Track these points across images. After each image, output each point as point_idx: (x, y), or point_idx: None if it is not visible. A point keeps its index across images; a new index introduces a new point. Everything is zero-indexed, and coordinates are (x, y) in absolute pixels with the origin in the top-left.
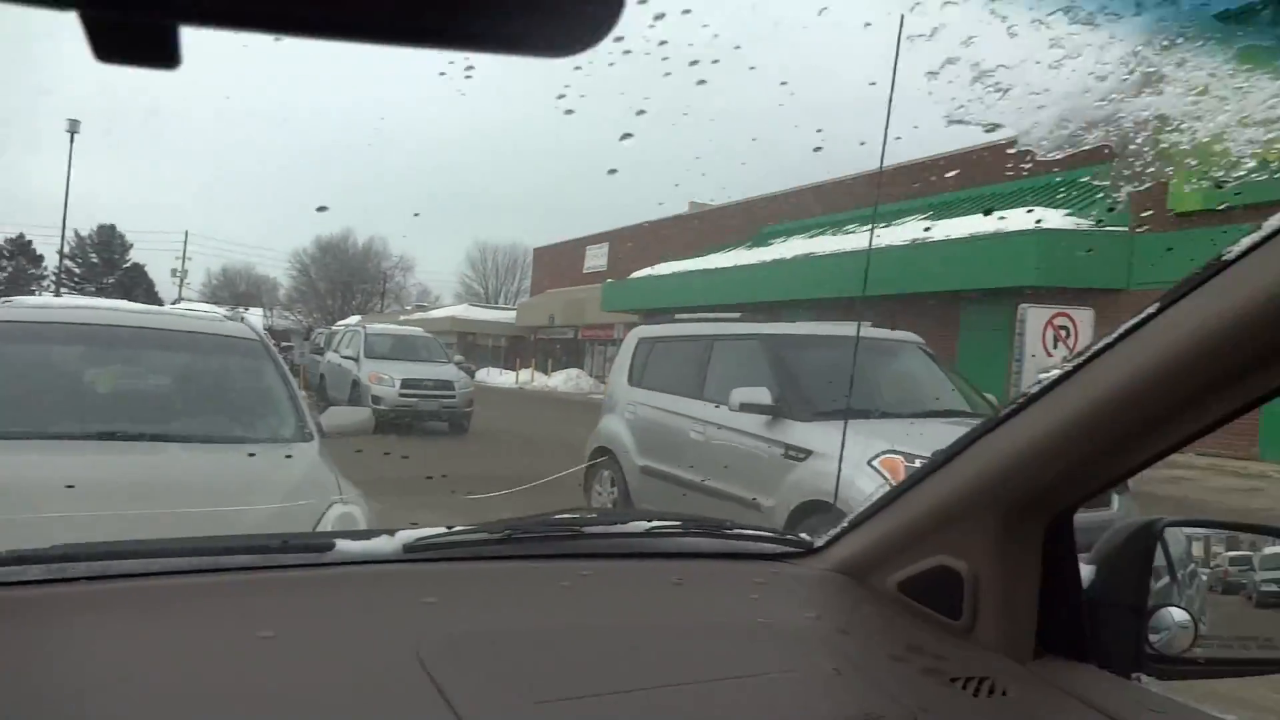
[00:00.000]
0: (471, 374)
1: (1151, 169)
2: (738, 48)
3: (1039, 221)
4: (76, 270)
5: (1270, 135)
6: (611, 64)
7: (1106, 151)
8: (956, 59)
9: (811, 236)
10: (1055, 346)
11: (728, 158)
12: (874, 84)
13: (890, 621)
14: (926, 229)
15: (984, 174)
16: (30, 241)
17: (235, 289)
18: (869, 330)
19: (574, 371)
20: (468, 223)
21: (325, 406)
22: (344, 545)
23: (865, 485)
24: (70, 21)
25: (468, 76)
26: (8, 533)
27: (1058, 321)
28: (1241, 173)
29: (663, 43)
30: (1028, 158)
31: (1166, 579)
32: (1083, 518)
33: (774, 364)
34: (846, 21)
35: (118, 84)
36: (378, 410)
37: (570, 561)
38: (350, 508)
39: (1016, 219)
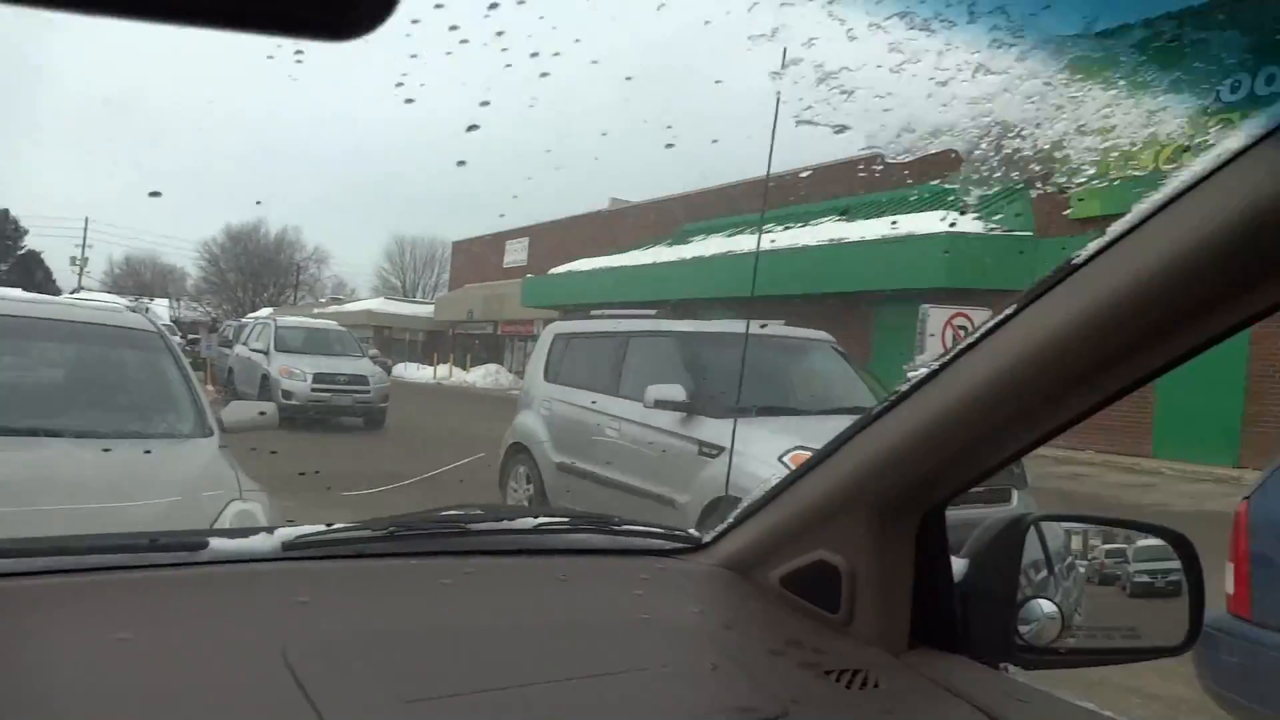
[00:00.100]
0: (388, 369)
1: (998, 174)
2: (578, 41)
3: (951, 225)
4: None
5: (1106, 144)
6: (449, 53)
7: (953, 156)
8: (799, 60)
9: (730, 235)
10: (954, 345)
11: (574, 155)
12: (720, 82)
13: (771, 616)
14: (845, 217)
15: (900, 177)
16: None
17: (140, 278)
18: (781, 329)
19: (493, 367)
20: (385, 215)
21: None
22: (218, 544)
23: (774, 481)
24: None
25: (298, 61)
26: None
27: (956, 321)
28: (1082, 179)
29: (500, 33)
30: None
31: (1045, 572)
32: (984, 513)
33: (688, 361)
34: (686, 18)
35: None
36: (289, 406)
37: (455, 559)
38: (250, 505)
39: (928, 222)
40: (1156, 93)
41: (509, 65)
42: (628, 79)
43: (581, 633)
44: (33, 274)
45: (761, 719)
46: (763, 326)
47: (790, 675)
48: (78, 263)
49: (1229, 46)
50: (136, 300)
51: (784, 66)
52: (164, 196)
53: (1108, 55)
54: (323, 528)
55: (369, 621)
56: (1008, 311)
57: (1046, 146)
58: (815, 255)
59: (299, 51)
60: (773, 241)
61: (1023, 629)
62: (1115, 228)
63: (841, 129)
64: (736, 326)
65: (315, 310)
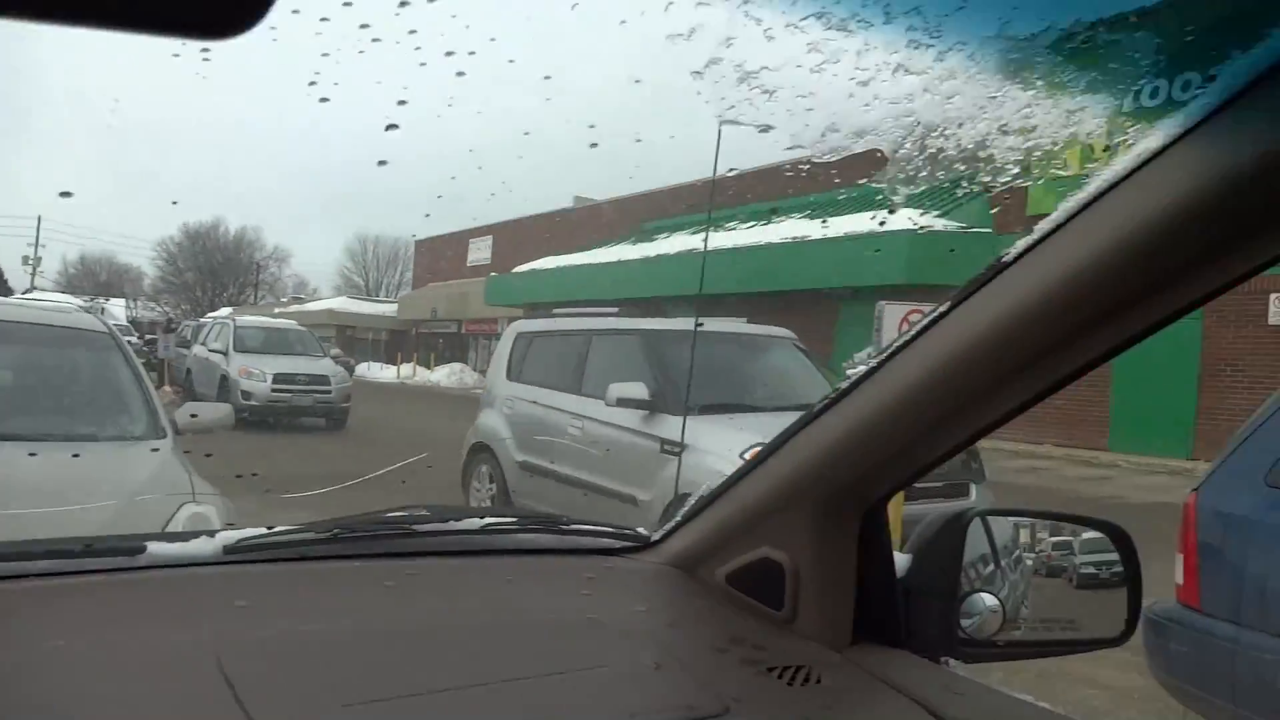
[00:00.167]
0: (350, 368)
1: (924, 173)
2: (493, 40)
3: (881, 224)
4: None
5: (1029, 143)
6: (361, 51)
7: (879, 155)
8: (720, 59)
9: (694, 233)
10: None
11: (500, 155)
12: (639, 81)
13: (717, 613)
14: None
15: (861, 173)
16: None
17: (96, 278)
18: (743, 326)
19: (457, 366)
20: (347, 214)
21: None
22: (157, 548)
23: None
24: None
25: (205, 60)
26: None
27: (913, 317)
28: (1007, 178)
29: (412, 31)
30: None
31: (992, 565)
32: (945, 507)
33: (651, 359)
34: (602, 18)
35: None
36: (249, 406)
37: (400, 560)
38: (204, 508)
39: (891, 219)
40: (1074, 93)
41: (424, 64)
42: (546, 78)
43: (524, 633)
44: None
45: (702, 717)
46: (700, 325)
47: (733, 673)
48: (30, 262)
49: (1142, 49)
50: (92, 300)
51: (705, 66)
52: (121, 196)
53: (1024, 57)
54: (264, 530)
55: (309, 625)
56: (941, 310)
57: (970, 146)
58: (779, 252)
59: (205, 49)
60: (735, 239)
61: (965, 623)
62: (1042, 226)
63: (766, 129)
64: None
65: (276, 310)
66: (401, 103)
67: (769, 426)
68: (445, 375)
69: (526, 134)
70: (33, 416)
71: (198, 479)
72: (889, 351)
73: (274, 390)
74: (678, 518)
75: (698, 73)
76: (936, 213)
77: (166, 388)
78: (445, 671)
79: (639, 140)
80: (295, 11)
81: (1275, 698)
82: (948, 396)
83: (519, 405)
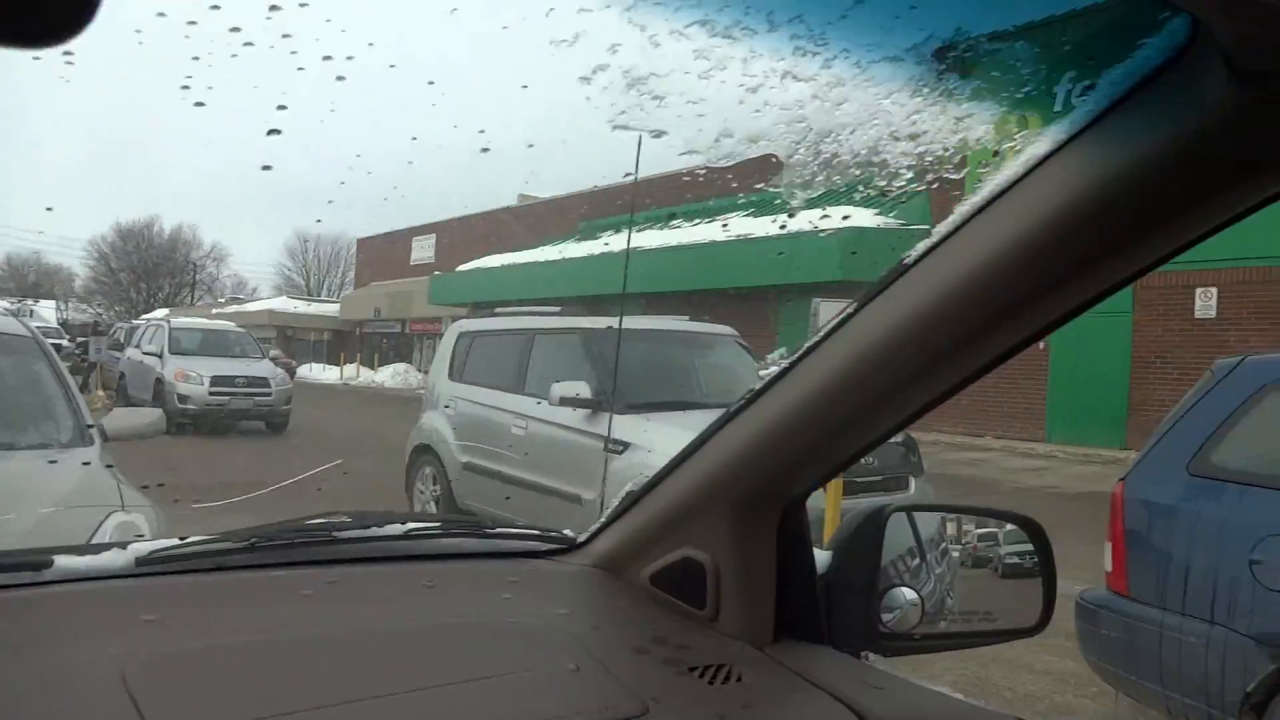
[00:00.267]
0: (291, 370)
1: (820, 177)
2: (371, 45)
3: (782, 228)
4: None
5: (920, 148)
6: (234, 55)
7: (774, 160)
8: (606, 65)
9: (638, 230)
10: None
11: (388, 158)
12: (525, 87)
13: (640, 614)
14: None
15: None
16: None
17: (22, 279)
18: (685, 323)
19: (402, 366)
20: (286, 211)
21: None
22: (65, 561)
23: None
24: None
25: (68, 63)
26: None
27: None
28: (901, 182)
29: (286, 35)
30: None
31: (918, 559)
32: (885, 501)
33: (593, 358)
34: (483, 24)
35: None
36: (185, 410)
37: (319, 568)
38: (133, 517)
39: (831, 218)
40: (960, 101)
41: (302, 69)
42: (430, 83)
43: (443, 639)
44: None
45: (621, 718)
46: (613, 327)
47: (654, 673)
48: None
49: (1023, 59)
50: (20, 302)
51: (593, 72)
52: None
53: (909, 65)
54: (177, 541)
55: (220, 637)
56: (848, 310)
57: (863, 151)
58: (722, 250)
59: (67, 53)
60: (679, 237)
61: (886, 617)
62: (940, 229)
63: (659, 134)
64: (642, 323)
65: (214, 310)
66: (281, 107)
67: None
68: (390, 376)
69: (414, 139)
70: None
71: (128, 488)
72: (800, 352)
73: (211, 393)
74: (603, 519)
75: (585, 78)
76: (874, 211)
77: (99, 392)
78: (360, 681)
79: (531, 146)
80: (161, 14)
81: (1198, 678)
82: (857, 395)
83: (462, 406)
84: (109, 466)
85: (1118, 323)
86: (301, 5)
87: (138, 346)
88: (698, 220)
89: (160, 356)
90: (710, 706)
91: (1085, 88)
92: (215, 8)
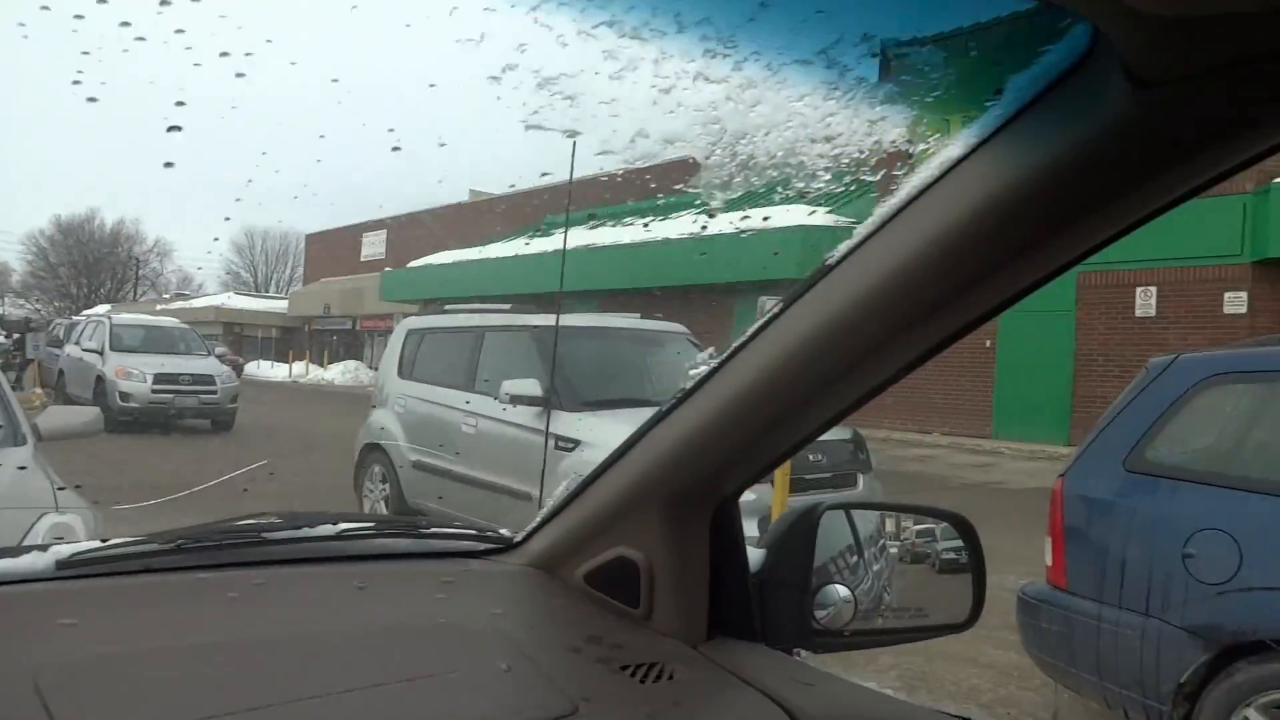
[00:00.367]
0: (238, 368)
1: (738, 179)
2: (269, 41)
3: (703, 228)
4: None
5: (836, 150)
6: (125, 50)
7: (691, 162)
8: (515, 65)
9: (591, 228)
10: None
11: (295, 155)
12: (433, 85)
13: (574, 613)
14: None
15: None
16: None
17: None
18: (637, 321)
19: (352, 364)
20: (231, 206)
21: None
22: None
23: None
24: None
25: None
26: None
27: None
28: (820, 184)
29: (179, 31)
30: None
31: (856, 556)
32: (834, 497)
33: (544, 355)
34: (385, 21)
35: None
36: (127, 409)
37: (248, 570)
38: (67, 518)
39: (783, 216)
40: (873, 104)
41: (199, 64)
42: (333, 81)
43: (372, 640)
44: None
45: (550, 718)
46: (568, 325)
47: (585, 672)
48: None
49: (931, 63)
50: None
51: (502, 72)
52: None
53: (820, 67)
54: (99, 544)
55: (140, 642)
56: (775, 310)
57: (779, 153)
58: (677, 248)
59: None
60: (633, 235)
61: (819, 614)
62: (861, 229)
63: (573, 134)
64: (592, 320)
65: (158, 307)
66: (180, 104)
67: None
68: (340, 373)
69: (322, 137)
70: None
71: (61, 488)
72: (729, 352)
73: (155, 391)
74: (539, 518)
75: (495, 78)
76: (827, 209)
77: (37, 390)
78: (283, 684)
79: (443, 145)
80: (44, 8)
81: (1134, 669)
82: (786, 393)
83: (411, 404)
84: (33, 456)
85: (1061, 321)
86: (193, 0)
87: (77, 343)
88: (652, 218)
89: (101, 354)
90: (641, 705)
91: (994, 92)
92: (102, 1)
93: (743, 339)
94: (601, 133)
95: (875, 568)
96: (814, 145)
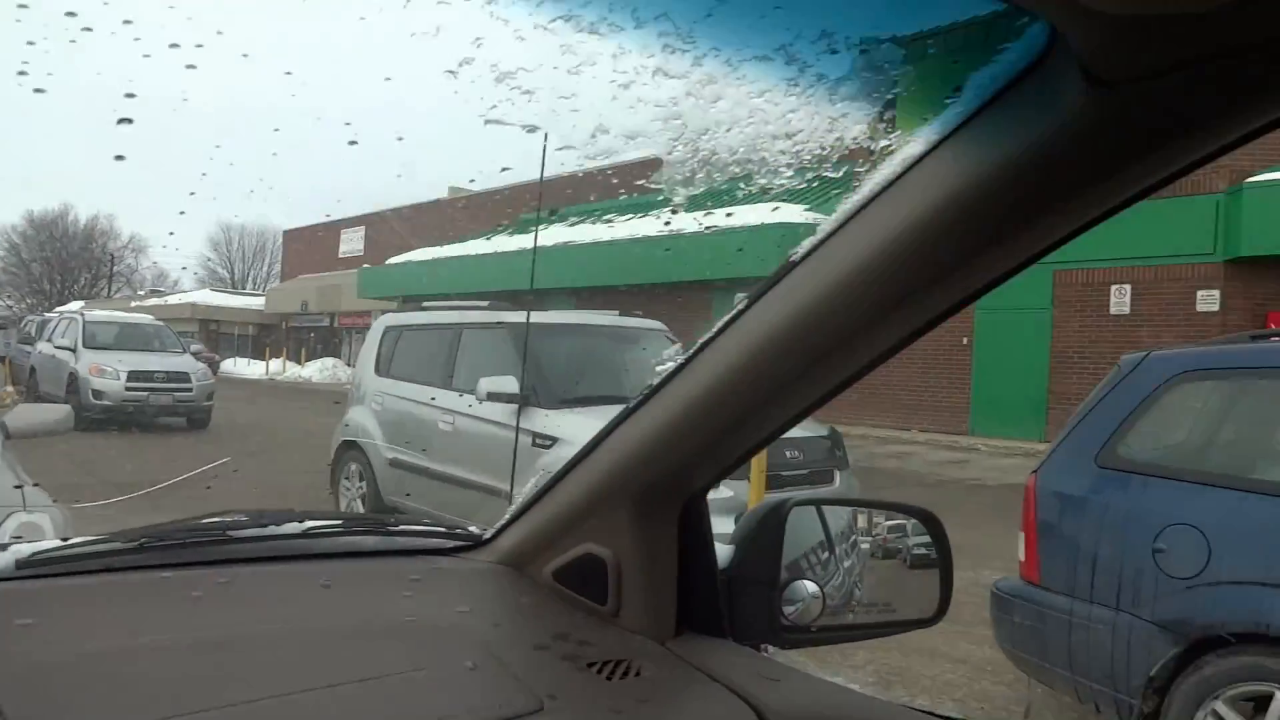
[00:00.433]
0: (214, 365)
1: (700, 174)
2: (220, 34)
3: (666, 224)
4: None
5: (797, 147)
6: (73, 41)
7: (656, 159)
8: (472, 59)
9: (571, 225)
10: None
11: (250, 149)
12: (389, 79)
13: (542, 611)
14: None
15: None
16: None
17: None
18: (615, 318)
19: (330, 361)
20: (209, 202)
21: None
22: None
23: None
24: None
25: None
26: None
27: None
28: (783, 180)
29: (127, 22)
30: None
31: (827, 552)
32: (811, 493)
33: (521, 353)
34: (339, 15)
35: None
36: (101, 406)
37: (212, 569)
38: (36, 517)
39: (757, 213)
40: (834, 101)
41: (148, 55)
42: (287, 74)
43: (336, 639)
44: None
45: (515, 715)
46: (544, 323)
47: (552, 669)
48: None
49: (891, 61)
50: None
51: (459, 66)
52: None
53: (780, 63)
54: (60, 543)
55: (99, 643)
56: (740, 307)
57: (741, 149)
58: (654, 245)
59: None
60: (614, 233)
61: (788, 609)
62: (824, 227)
63: (532, 129)
64: (570, 317)
65: (133, 303)
66: (130, 95)
67: None
68: (317, 370)
69: (276, 130)
70: None
71: (30, 486)
72: (695, 349)
73: (128, 389)
74: (507, 515)
75: (452, 72)
76: (805, 207)
77: (8, 388)
78: (244, 684)
79: (401, 139)
80: None
81: (1105, 663)
82: (751, 389)
83: (389, 401)
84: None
85: (1038, 318)
86: None
87: (50, 340)
88: (630, 215)
89: (74, 351)
90: (606, 702)
91: (954, 90)
92: None
93: (708, 335)
94: (562, 128)
95: (846, 564)
96: (776, 141)
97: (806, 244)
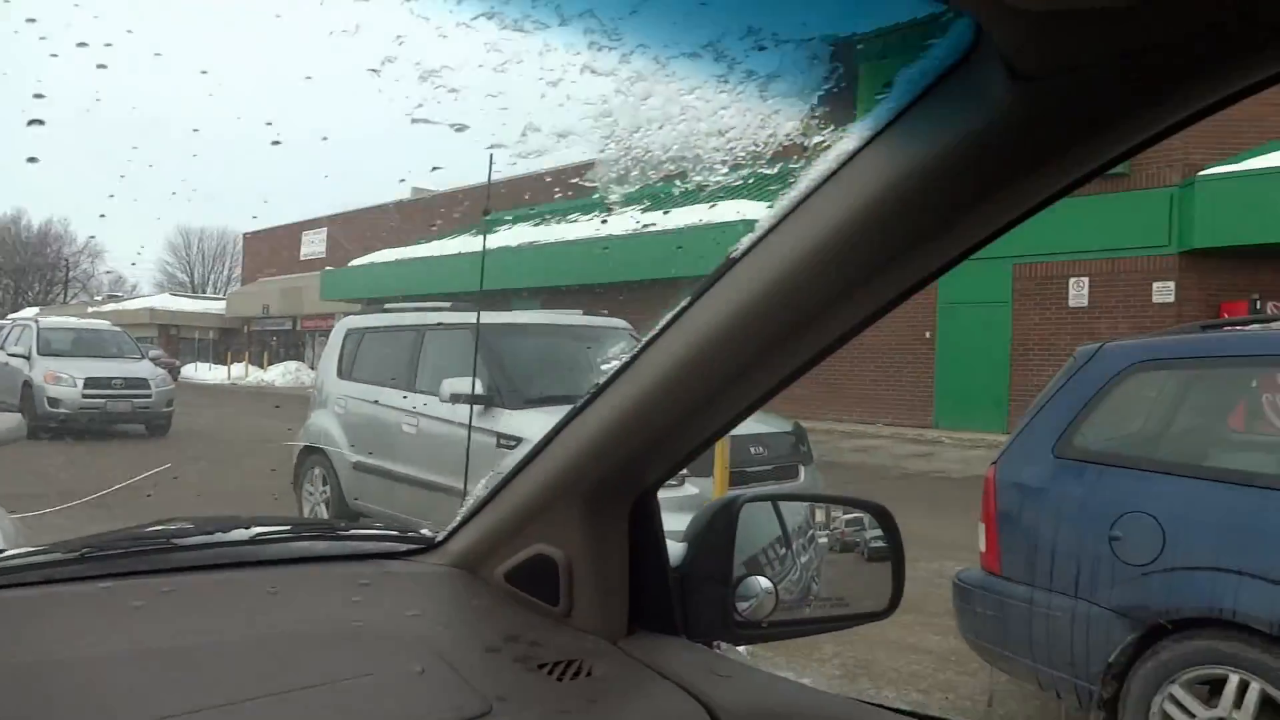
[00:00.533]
0: (174, 370)
1: (634, 172)
2: (130, 32)
3: (603, 222)
4: None
5: (731, 143)
6: None
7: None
8: (395, 58)
9: (536, 225)
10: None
11: (169, 151)
12: (309, 78)
13: (494, 613)
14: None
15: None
16: None
17: None
18: (580, 317)
19: (293, 365)
20: (167, 205)
21: None
22: None
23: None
24: None
25: None
26: None
27: None
28: (718, 177)
29: (30, 20)
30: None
31: (784, 548)
32: (774, 489)
33: (485, 353)
34: (253, 11)
35: None
36: (57, 415)
37: (157, 578)
38: None
39: (723, 210)
40: (765, 98)
41: (55, 55)
42: (203, 73)
43: (281, 646)
44: None
45: (462, 719)
46: (509, 323)
47: (503, 671)
48: None
49: (819, 56)
50: None
51: (381, 64)
52: None
53: (709, 60)
54: (3, 552)
55: (35, 655)
56: (684, 303)
57: (674, 146)
58: (621, 244)
59: None
60: (578, 232)
61: (742, 605)
62: (762, 224)
63: (461, 127)
64: (533, 317)
65: (90, 309)
66: (39, 96)
67: None
68: (280, 374)
69: (196, 130)
70: None
71: None
72: (642, 345)
73: (85, 396)
74: (459, 517)
75: (374, 70)
76: (768, 205)
77: None
78: (183, 694)
79: (325, 139)
80: None
81: (1065, 650)
82: (697, 385)
83: (351, 404)
84: None
85: (998, 312)
86: None
87: (2, 348)
88: (594, 214)
89: (28, 358)
90: (556, 702)
91: (884, 86)
92: None
93: (653, 333)
94: (490, 126)
95: (803, 559)
96: (709, 139)
97: (746, 240)
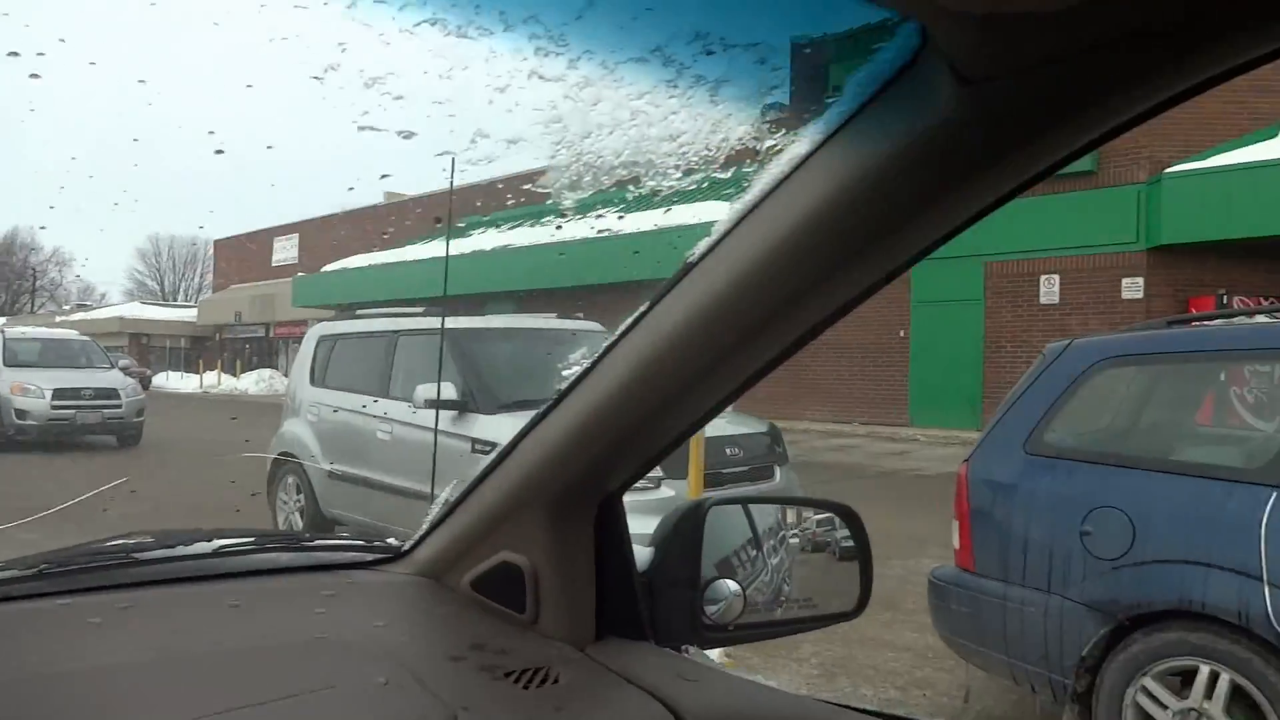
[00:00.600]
0: (145, 380)
1: (587, 177)
2: (63, 41)
3: (558, 228)
4: None
5: (683, 148)
6: None
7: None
8: (338, 65)
9: (510, 228)
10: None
11: (108, 160)
12: (250, 87)
13: (460, 621)
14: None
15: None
16: None
17: None
18: (552, 321)
19: (266, 372)
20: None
21: None
22: None
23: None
24: None
25: None
26: None
27: None
28: (671, 182)
29: None
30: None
31: (754, 550)
32: (751, 490)
33: (459, 358)
34: (189, 19)
35: None
36: (25, 427)
37: (117, 593)
38: None
39: (691, 212)
40: (716, 102)
41: None
42: (140, 81)
43: (238, 662)
44: None
45: None
46: (483, 327)
47: (467, 680)
48: None
49: (770, 59)
50: None
51: (325, 71)
52: None
53: (657, 65)
54: None
55: None
56: (643, 308)
57: (626, 151)
58: (594, 247)
59: None
60: (554, 235)
61: (710, 609)
62: (719, 226)
63: (408, 134)
64: (507, 321)
65: (58, 319)
66: None
67: None
68: (253, 382)
69: (135, 140)
70: None
71: None
72: (604, 349)
73: (54, 407)
74: (425, 525)
75: (317, 78)
76: (725, 207)
77: None
78: (141, 711)
79: (270, 147)
80: None
81: (1039, 645)
82: (659, 388)
83: (325, 411)
84: None
85: (971, 309)
86: None
87: None
88: (572, 217)
89: None
90: (521, 710)
91: (833, 89)
92: None
93: (614, 337)
94: (438, 133)
95: (774, 560)
96: (661, 144)
97: (704, 244)
